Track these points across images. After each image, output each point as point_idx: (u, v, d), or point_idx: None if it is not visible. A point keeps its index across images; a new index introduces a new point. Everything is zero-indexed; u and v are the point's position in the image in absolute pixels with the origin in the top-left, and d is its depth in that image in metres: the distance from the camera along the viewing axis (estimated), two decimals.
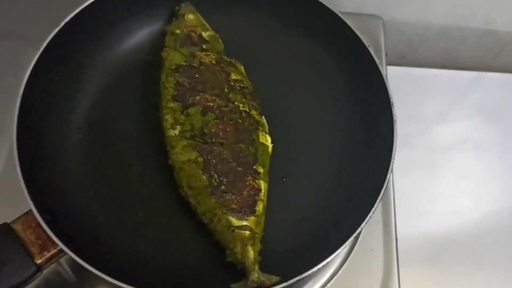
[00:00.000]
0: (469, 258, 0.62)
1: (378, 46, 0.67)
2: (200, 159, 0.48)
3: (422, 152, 0.68)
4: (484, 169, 0.68)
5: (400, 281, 0.54)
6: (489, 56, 0.81)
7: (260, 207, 0.48)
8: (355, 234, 0.44)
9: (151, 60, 0.57)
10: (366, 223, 0.45)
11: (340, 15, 0.55)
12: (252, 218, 0.47)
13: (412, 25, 0.76)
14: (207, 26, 0.57)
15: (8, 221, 0.44)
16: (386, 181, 0.46)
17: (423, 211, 0.65)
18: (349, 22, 0.55)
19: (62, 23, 0.52)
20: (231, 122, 0.50)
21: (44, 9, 0.64)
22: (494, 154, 0.69)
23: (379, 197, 0.46)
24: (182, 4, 0.58)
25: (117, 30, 0.57)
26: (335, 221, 0.49)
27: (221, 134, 0.49)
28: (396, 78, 0.69)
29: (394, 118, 0.50)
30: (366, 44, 0.53)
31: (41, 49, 0.50)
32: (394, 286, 0.53)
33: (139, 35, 0.58)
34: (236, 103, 0.51)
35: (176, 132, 0.50)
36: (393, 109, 0.50)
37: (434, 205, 0.65)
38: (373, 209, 0.45)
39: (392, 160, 0.47)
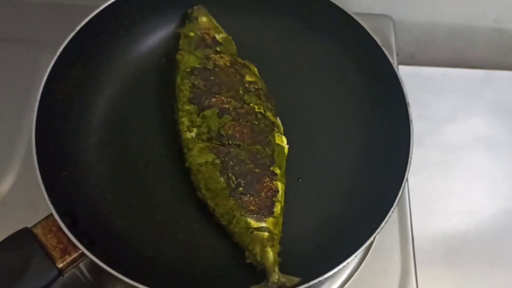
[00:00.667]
0: (485, 256, 0.62)
1: (389, 46, 0.67)
2: (217, 161, 0.48)
3: (434, 151, 0.68)
4: (497, 167, 0.68)
5: (418, 280, 0.54)
6: (499, 55, 0.81)
7: (278, 208, 0.48)
8: (374, 235, 0.44)
9: (166, 63, 0.57)
10: (384, 225, 0.45)
11: (353, 15, 0.55)
12: (271, 219, 0.47)
13: (421, 24, 0.76)
14: (220, 28, 0.57)
15: (29, 226, 0.44)
16: (404, 182, 0.46)
17: (436, 210, 0.64)
18: (361, 22, 0.55)
19: (77, 28, 0.52)
20: (247, 123, 0.50)
21: (59, 14, 0.64)
22: (506, 152, 0.69)
23: (397, 198, 0.46)
24: (195, 7, 0.58)
25: (131, 34, 0.57)
26: (353, 222, 0.49)
27: (237, 135, 0.49)
28: (406, 77, 0.67)
29: (410, 117, 0.50)
30: (380, 44, 0.53)
31: (58, 53, 0.50)
32: (412, 286, 0.53)
33: (154, 38, 0.59)
34: (251, 104, 0.51)
35: (193, 134, 0.50)
36: (409, 109, 0.50)
37: (448, 204, 0.65)
38: (392, 209, 0.45)
39: (409, 160, 0.47)
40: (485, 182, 0.67)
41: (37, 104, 0.48)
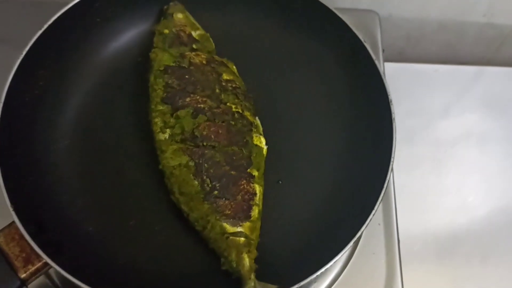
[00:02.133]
0: (477, 255, 0.61)
1: (374, 42, 0.65)
2: (191, 163, 0.46)
3: (425, 148, 0.67)
4: (489, 163, 0.67)
5: (406, 281, 0.52)
6: (490, 50, 0.80)
7: (255, 212, 0.46)
8: (354, 239, 0.42)
9: (141, 62, 0.55)
10: (366, 227, 0.43)
11: (334, 10, 0.54)
12: (247, 223, 0.45)
13: (410, 19, 0.75)
14: (197, 25, 0.56)
15: None
16: (386, 183, 0.44)
17: (428, 208, 0.63)
18: (344, 18, 0.53)
19: (45, 26, 0.50)
20: (223, 124, 0.48)
21: (30, 11, 0.62)
22: (499, 148, 0.68)
23: (379, 200, 0.44)
24: (171, 3, 0.56)
25: (103, 31, 0.55)
26: (334, 225, 0.47)
27: (213, 136, 0.47)
28: (395, 74, 0.68)
29: (393, 115, 0.48)
30: (363, 40, 0.51)
31: (24, 52, 0.48)
32: None
33: (127, 36, 0.56)
34: (228, 104, 0.50)
35: (166, 135, 0.48)
36: (391, 107, 0.48)
37: (440, 202, 0.64)
38: (373, 212, 0.43)
39: (392, 160, 0.45)
40: (477, 179, 0.66)
41: (1, 105, 0.46)
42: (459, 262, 0.60)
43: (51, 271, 0.45)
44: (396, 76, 0.67)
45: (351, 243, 0.42)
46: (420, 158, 0.66)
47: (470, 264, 0.60)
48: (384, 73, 0.50)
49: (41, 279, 0.45)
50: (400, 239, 0.54)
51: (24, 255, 0.41)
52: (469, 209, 0.64)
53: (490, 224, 0.63)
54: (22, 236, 0.41)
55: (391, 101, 0.48)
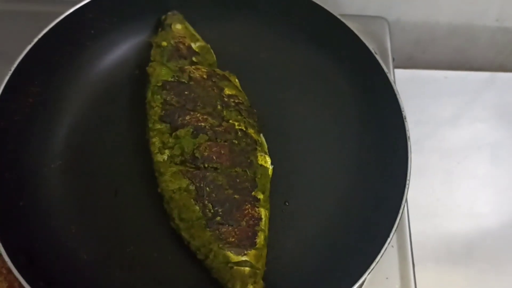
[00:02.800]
0: (490, 266, 0.59)
1: (384, 50, 0.62)
2: (192, 187, 0.44)
3: (435, 159, 0.65)
4: (502, 174, 0.65)
5: None
6: (502, 55, 0.78)
7: (261, 239, 0.44)
8: (369, 271, 0.39)
9: (138, 75, 0.53)
10: (381, 257, 0.40)
11: (341, 18, 0.51)
12: (253, 251, 0.43)
13: (419, 24, 0.73)
14: (197, 36, 0.53)
15: None
16: (402, 209, 0.41)
17: (439, 220, 0.61)
18: (352, 25, 0.51)
19: (35, 39, 0.48)
20: (226, 143, 0.46)
21: (20, 22, 0.59)
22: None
23: (395, 227, 0.41)
24: (169, 13, 0.54)
25: (98, 45, 0.53)
26: (346, 253, 0.44)
27: (214, 157, 0.45)
28: (404, 81, 0.66)
29: (408, 134, 0.45)
30: (373, 51, 0.48)
31: (12, 69, 0.46)
32: None
33: (124, 48, 0.54)
34: (230, 121, 0.47)
35: (165, 157, 0.45)
36: (406, 124, 0.45)
37: (450, 214, 0.62)
38: (389, 239, 0.40)
39: (407, 184, 0.42)
40: (489, 190, 0.64)
41: None
42: (472, 273, 0.58)
43: None
44: (405, 83, 0.65)
45: (366, 275, 0.39)
46: (429, 168, 0.64)
47: (484, 274, 0.58)
48: (396, 90, 0.47)
49: None
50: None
51: None
52: (481, 220, 0.62)
53: (502, 239, 0.61)
54: (10, 270, 0.38)
55: (405, 118, 0.45)
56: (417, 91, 0.69)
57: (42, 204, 0.46)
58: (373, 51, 0.48)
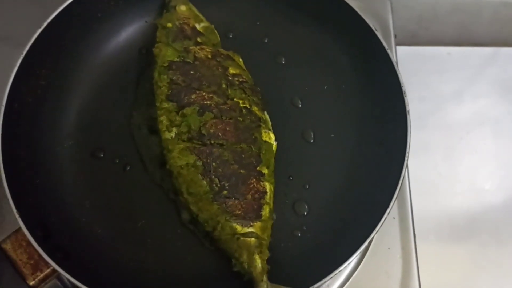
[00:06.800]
0: (492, 241, 0.60)
1: (386, 27, 0.62)
2: (199, 162, 0.45)
3: (438, 134, 0.66)
4: (504, 149, 0.65)
5: (421, 267, 0.51)
6: (506, 30, 0.77)
7: (266, 211, 0.45)
8: (369, 239, 0.41)
9: (144, 56, 0.54)
10: (381, 226, 0.42)
11: None
12: (258, 223, 0.44)
13: (421, 1, 0.72)
14: (201, 17, 0.54)
15: None
16: (401, 180, 0.43)
17: (441, 195, 0.62)
18: (353, 2, 0.51)
19: (45, 23, 0.48)
20: (231, 120, 0.47)
21: (31, 8, 0.60)
22: None
23: (394, 198, 0.42)
24: None
25: (105, 27, 0.54)
26: (348, 224, 0.46)
27: (220, 134, 0.46)
28: (407, 58, 0.67)
29: (407, 108, 0.46)
30: (373, 28, 0.49)
31: (24, 52, 0.47)
32: (414, 286, 0.50)
33: (130, 30, 0.55)
34: (235, 99, 0.48)
35: (172, 134, 0.46)
36: (405, 99, 0.46)
37: (452, 189, 0.63)
38: (388, 210, 0.42)
39: (406, 155, 0.44)
40: (491, 165, 0.64)
41: (2, 108, 0.45)
42: (474, 248, 0.59)
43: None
44: (408, 60, 0.66)
45: (366, 243, 0.41)
46: (432, 144, 0.65)
47: (486, 249, 0.59)
48: (397, 62, 0.48)
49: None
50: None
51: (32, 262, 0.41)
52: (483, 195, 0.62)
53: (505, 211, 0.61)
54: (29, 243, 0.40)
55: (404, 93, 0.46)
56: (420, 67, 0.69)
57: (56, 182, 0.47)
58: (373, 28, 0.49)
